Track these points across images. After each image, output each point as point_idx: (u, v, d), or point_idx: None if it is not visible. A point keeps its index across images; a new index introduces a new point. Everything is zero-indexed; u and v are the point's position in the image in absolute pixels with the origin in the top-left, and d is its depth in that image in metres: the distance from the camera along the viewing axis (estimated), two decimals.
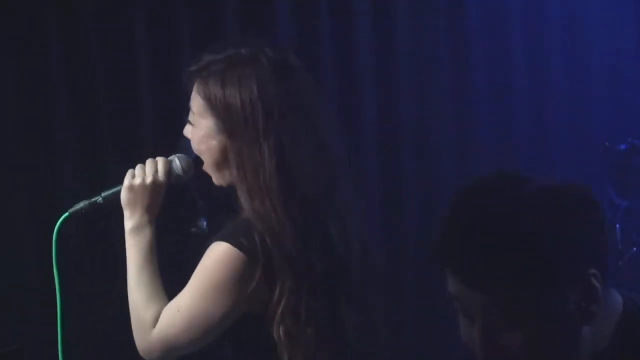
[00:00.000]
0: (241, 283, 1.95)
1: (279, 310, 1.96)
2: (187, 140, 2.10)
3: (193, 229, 2.18)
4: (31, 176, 3.24)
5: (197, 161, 2.09)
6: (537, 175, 1.38)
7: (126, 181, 2.04)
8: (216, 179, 2.06)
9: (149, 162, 2.07)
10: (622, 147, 4.53)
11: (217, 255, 1.96)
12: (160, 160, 2.07)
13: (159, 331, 1.98)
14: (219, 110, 1.99)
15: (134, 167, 2.08)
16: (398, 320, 3.94)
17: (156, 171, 2.04)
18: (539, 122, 4.53)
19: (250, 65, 1.99)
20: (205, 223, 2.19)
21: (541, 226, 1.30)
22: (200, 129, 2.04)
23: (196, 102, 2.05)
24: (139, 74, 3.42)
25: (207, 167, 2.06)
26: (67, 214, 2.05)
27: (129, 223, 2.05)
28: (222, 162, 2.03)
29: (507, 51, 4.42)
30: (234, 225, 2.00)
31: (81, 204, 2.06)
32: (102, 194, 2.07)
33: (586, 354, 1.35)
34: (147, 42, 3.43)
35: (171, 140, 2.17)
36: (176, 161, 2.08)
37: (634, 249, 4.45)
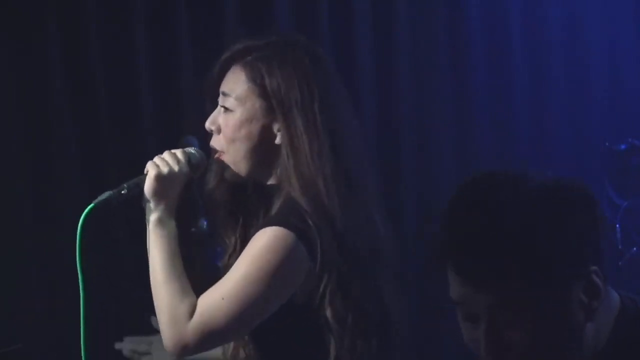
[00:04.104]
0: (293, 265, 1.92)
1: (328, 290, 1.93)
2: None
3: (193, 229, 2.17)
4: (31, 176, 3.24)
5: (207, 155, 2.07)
6: (530, 172, 1.38)
7: (153, 171, 1.96)
8: (242, 169, 2.03)
9: (167, 153, 2.00)
10: (622, 147, 4.54)
11: (269, 238, 1.91)
12: (177, 151, 2.01)
13: (199, 322, 1.91)
14: (278, 92, 1.98)
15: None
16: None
17: (178, 161, 1.99)
18: (539, 122, 4.53)
19: (297, 50, 2.03)
20: (205, 223, 2.18)
21: (544, 223, 1.30)
22: (242, 113, 2.00)
23: (238, 86, 2.01)
24: (139, 74, 3.42)
25: (236, 156, 2.02)
26: (92, 204, 1.92)
27: (154, 214, 1.97)
28: (259, 149, 2.01)
29: (507, 51, 4.43)
30: (280, 210, 1.98)
31: (106, 194, 1.94)
32: (125, 184, 1.97)
33: (588, 351, 1.36)
34: (147, 43, 3.44)
35: (171, 140, 2.17)
36: (192, 151, 2.04)
37: (634, 249, 4.46)
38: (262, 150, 2.01)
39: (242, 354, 2.13)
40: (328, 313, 1.94)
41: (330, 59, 3.83)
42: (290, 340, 2.02)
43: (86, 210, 1.92)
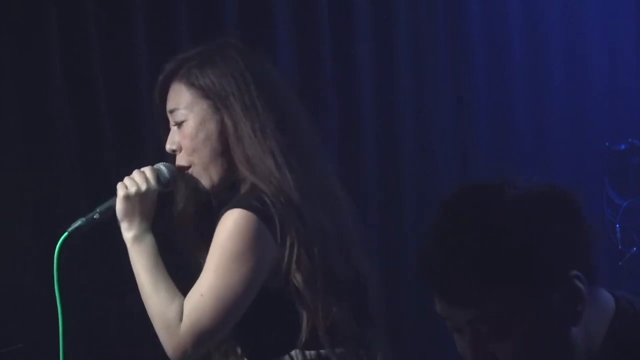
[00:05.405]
0: (259, 245, 1.96)
1: (294, 257, 1.97)
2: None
3: None
4: (31, 177, 3.24)
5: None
6: (513, 180, 1.38)
7: (121, 192, 2.05)
8: (213, 173, 2.07)
9: (136, 172, 2.09)
10: (622, 147, 4.55)
11: (231, 224, 1.96)
12: (146, 169, 2.09)
13: (188, 322, 1.96)
14: (213, 87, 2.06)
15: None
16: (398, 320, 3.94)
17: (147, 179, 2.07)
18: (539, 122, 4.53)
19: (226, 49, 2.11)
20: None
21: (519, 235, 1.31)
22: (195, 118, 2.06)
23: (182, 97, 2.08)
24: (139, 74, 3.42)
25: (203, 163, 2.07)
26: (66, 233, 2.04)
27: (129, 233, 2.05)
28: (220, 147, 2.06)
29: (507, 51, 4.43)
30: (238, 196, 2.03)
31: (79, 222, 2.05)
32: (98, 209, 2.08)
33: (581, 354, 1.36)
34: (147, 42, 3.44)
35: None
36: (162, 168, 2.11)
37: (634, 249, 4.46)
38: (224, 147, 2.06)
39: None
40: (298, 278, 1.98)
41: (330, 59, 3.88)
42: (265, 324, 2.04)
43: (60, 240, 2.02)
